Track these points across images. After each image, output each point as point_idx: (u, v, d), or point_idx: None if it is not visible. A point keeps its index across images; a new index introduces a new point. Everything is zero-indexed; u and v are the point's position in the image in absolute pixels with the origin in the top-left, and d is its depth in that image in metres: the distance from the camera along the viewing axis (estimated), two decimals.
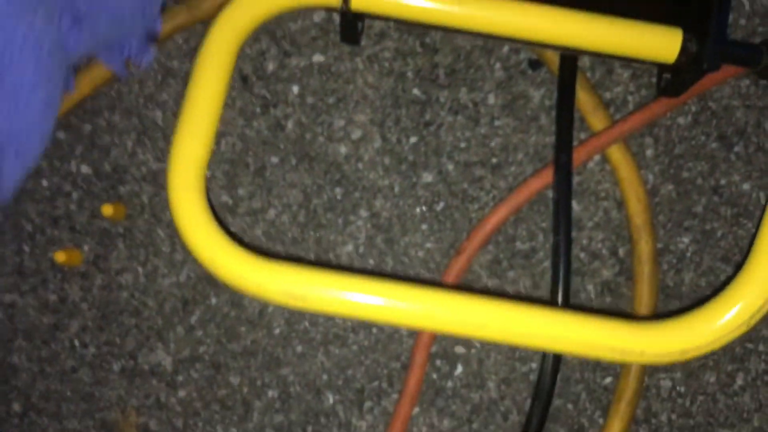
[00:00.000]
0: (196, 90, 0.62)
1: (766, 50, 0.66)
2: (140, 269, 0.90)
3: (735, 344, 0.88)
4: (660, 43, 0.64)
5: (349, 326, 0.89)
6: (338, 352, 0.89)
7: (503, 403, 0.89)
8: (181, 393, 0.90)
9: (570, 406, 0.89)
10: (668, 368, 0.88)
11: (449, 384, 0.89)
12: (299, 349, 0.89)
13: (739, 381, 0.88)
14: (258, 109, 0.90)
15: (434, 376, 0.89)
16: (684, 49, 0.63)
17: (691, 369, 0.88)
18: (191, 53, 0.92)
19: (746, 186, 0.89)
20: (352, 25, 0.65)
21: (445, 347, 0.89)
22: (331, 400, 0.89)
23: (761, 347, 0.88)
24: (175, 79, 0.91)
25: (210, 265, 0.63)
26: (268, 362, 0.89)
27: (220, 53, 0.67)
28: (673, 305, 0.88)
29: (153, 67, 0.92)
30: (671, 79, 0.68)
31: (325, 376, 0.89)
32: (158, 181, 0.90)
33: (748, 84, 0.89)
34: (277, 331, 0.89)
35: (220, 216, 0.90)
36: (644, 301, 0.86)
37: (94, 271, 0.90)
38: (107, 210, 0.85)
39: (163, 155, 0.90)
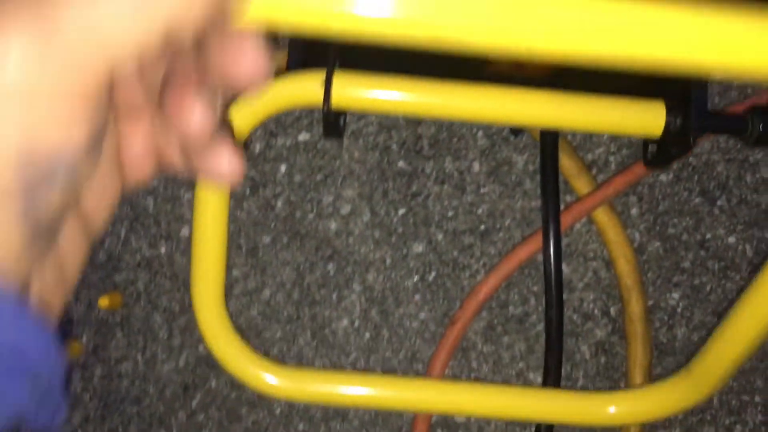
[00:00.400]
0: (202, 213, 0.64)
1: (752, 119, 0.66)
2: (139, 356, 0.91)
3: (731, 397, 0.89)
4: (643, 119, 0.64)
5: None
6: (339, 428, 0.90)
7: None
8: None
9: None
10: (667, 425, 0.89)
11: None
12: (301, 427, 0.90)
13: None
14: (247, 191, 0.91)
15: None
16: (668, 124, 0.64)
17: (690, 425, 0.89)
18: None
19: (731, 239, 0.90)
20: (334, 122, 0.64)
21: (446, 417, 0.89)
22: None
23: (757, 398, 0.89)
24: None
25: (239, 376, 0.71)
26: None
27: None
28: (668, 362, 0.89)
29: None
30: (657, 153, 0.68)
31: None
32: (152, 267, 0.91)
33: (726, 138, 0.90)
34: (278, 410, 0.90)
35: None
36: (638, 360, 0.87)
37: (93, 361, 0.91)
38: (104, 302, 0.86)
39: (155, 241, 0.92)
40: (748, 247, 0.90)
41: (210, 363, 0.90)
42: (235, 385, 0.90)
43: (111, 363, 0.91)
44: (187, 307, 0.91)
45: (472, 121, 0.72)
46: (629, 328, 0.88)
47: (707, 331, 0.90)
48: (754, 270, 0.89)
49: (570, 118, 0.64)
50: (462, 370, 0.90)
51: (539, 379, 0.90)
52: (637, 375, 0.87)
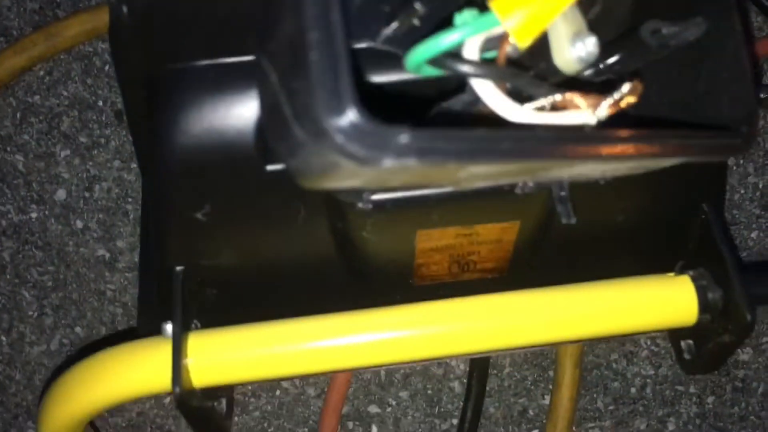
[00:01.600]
0: None
1: None
2: (4, 338, 0.79)
3: (665, 387, 0.83)
4: (666, 305, 0.43)
5: (249, 391, 0.80)
6: (238, 420, 0.80)
7: None
8: None
9: None
10: (597, 416, 0.82)
11: None
12: None
13: (671, 426, 0.83)
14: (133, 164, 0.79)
15: None
16: (703, 304, 0.43)
17: (621, 416, 0.83)
18: (54, 86, 0.80)
19: None
20: (204, 411, 0.43)
21: (358, 407, 0.80)
22: None
23: (692, 389, 0.83)
24: (37, 117, 0.80)
25: None
26: None
27: None
28: (600, 349, 0.82)
29: (10, 103, 0.79)
30: (697, 350, 0.47)
31: None
32: (21, 235, 0.78)
33: None
34: (166, 400, 0.79)
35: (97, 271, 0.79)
36: (569, 348, 0.80)
37: None
38: None
39: (25, 205, 0.79)
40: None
41: (87, 346, 0.78)
42: None
43: None
44: (60, 282, 0.78)
45: (413, 360, 0.50)
46: None
47: None
48: None
49: (551, 328, 0.42)
50: None
51: (462, 366, 0.81)
52: (568, 364, 0.80)
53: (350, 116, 0.23)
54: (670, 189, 0.31)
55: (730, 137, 0.30)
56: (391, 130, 0.24)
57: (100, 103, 0.81)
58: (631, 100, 0.30)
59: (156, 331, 0.42)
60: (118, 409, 0.78)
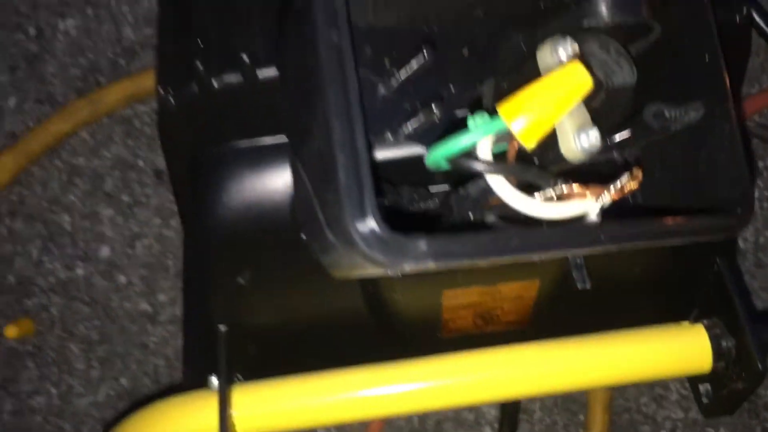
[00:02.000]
0: None
1: None
2: (53, 390, 0.82)
3: (695, 431, 0.83)
4: (681, 353, 0.45)
5: None
6: None
7: None
8: None
9: None
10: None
11: None
12: None
13: None
14: (176, 207, 0.83)
15: None
16: (718, 352, 0.45)
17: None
18: (98, 148, 0.85)
19: None
20: None
21: None
22: None
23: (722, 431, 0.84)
24: (81, 178, 0.84)
25: None
26: None
27: None
28: (629, 393, 0.84)
29: (57, 165, 0.84)
30: (714, 394, 0.48)
31: None
32: (68, 291, 0.82)
33: None
34: None
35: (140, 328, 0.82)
36: (599, 393, 0.81)
37: (2, 395, 0.82)
38: (11, 332, 0.77)
39: (72, 262, 0.83)
40: None
41: (132, 397, 0.82)
42: None
43: (22, 397, 0.82)
44: (106, 336, 0.82)
45: (444, 408, 0.58)
46: None
47: None
48: None
49: (574, 376, 0.45)
50: None
51: (493, 412, 0.83)
52: (598, 409, 0.81)
53: (374, 229, 0.27)
54: (684, 245, 0.34)
55: (724, 220, 0.32)
56: (409, 240, 0.27)
57: (141, 163, 0.85)
58: (633, 186, 0.33)
59: (199, 385, 0.45)
60: None
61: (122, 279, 0.83)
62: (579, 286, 0.36)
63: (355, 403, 0.43)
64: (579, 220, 0.31)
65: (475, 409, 0.83)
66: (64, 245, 0.83)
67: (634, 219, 0.30)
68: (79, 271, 0.83)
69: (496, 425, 0.82)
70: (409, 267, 0.28)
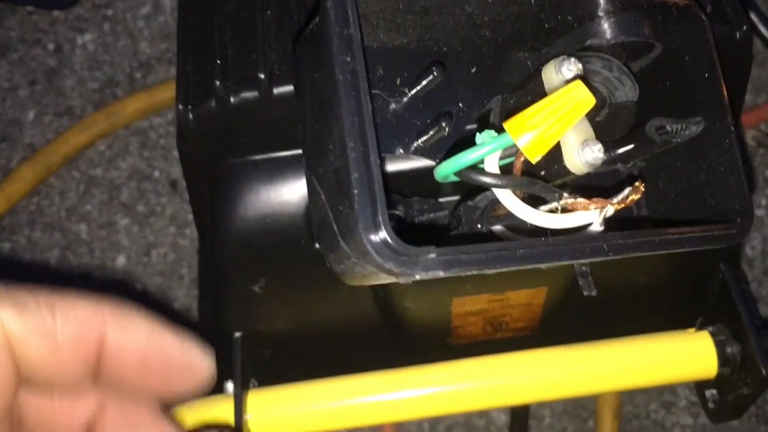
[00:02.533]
0: None
1: None
2: None
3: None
4: (681, 359, 0.46)
5: None
6: None
7: None
8: None
9: None
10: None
11: None
12: None
13: None
14: (190, 216, 0.85)
15: None
16: (723, 357, 0.46)
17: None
18: (115, 159, 0.86)
19: None
20: None
21: None
22: None
23: None
24: (99, 188, 0.86)
25: None
26: None
27: None
28: (639, 399, 0.85)
29: (74, 177, 0.86)
30: (720, 399, 0.50)
31: None
32: None
33: None
34: None
35: None
36: (608, 399, 0.82)
37: None
38: None
39: (89, 271, 0.84)
40: None
41: None
42: None
43: None
44: None
45: (454, 413, 0.57)
46: None
47: None
48: None
49: (582, 381, 0.46)
50: None
51: (504, 418, 0.84)
52: (607, 415, 0.82)
53: (386, 240, 0.28)
54: (689, 252, 0.35)
55: (724, 229, 0.34)
56: (420, 251, 0.29)
57: (156, 173, 0.87)
58: (636, 197, 0.34)
59: (214, 391, 0.46)
60: None
61: (138, 287, 0.85)
62: (585, 293, 0.37)
63: (367, 408, 0.44)
64: (583, 230, 0.33)
65: (486, 415, 0.84)
66: (81, 254, 0.85)
67: (636, 229, 0.31)
68: (96, 280, 0.85)
69: (506, 431, 0.83)
70: (419, 276, 0.29)
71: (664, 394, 0.85)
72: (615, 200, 0.33)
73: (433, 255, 0.29)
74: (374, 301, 0.45)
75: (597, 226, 0.33)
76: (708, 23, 0.36)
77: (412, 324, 0.46)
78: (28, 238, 0.85)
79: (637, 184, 0.33)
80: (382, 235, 0.28)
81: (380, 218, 0.28)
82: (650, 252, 0.31)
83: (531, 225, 0.32)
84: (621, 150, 0.36)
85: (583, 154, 0.33)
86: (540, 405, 0.84)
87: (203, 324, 0.55)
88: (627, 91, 0.36)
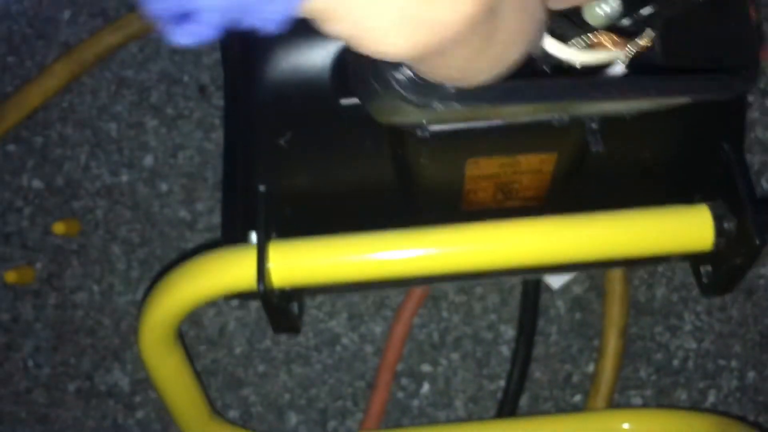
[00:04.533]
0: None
1: None
2: (95, 287, 0.87)
3: (707, 361, 0.86)
4: (680, 231, 0.47)
5: (312, 345, 0.87)
6: (301, 371, 0.87)
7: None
8: (139, 414, 0.87)
9: None
10: (639, 386, 0.86)
11: (415, 403, 0.86)
12: (261, 368, 0.87)
13: (711, 398, 0.86)
14: (217, 121, 0.87)
15: (400, 395, 0.86)
16: (719, 231, 0.47)
17: (663, 386, 0.86)
18: (146, 62, 0.89)
19: None
20: (282, 310, 0.50)
21: (411, 365, 0.86)
22: (294, 421, 0.87)
23: (734, 363, 0.86)
24: (129, 89, 0.88)
25: None
26: (229, 382, 0.87)
27: (159, 351, 0.57)
28: (645, 321, 0.86)
29: (106, 77, 0.88)
30: (714, 274, 0.51)
31: (287, 396, 0.87)
32: (113, 195, 0.87)
33: None
34: (238, 350, 0.87)
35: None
36: (614, 319, 0.84)
37: (47, 289, 0.87)
38: (59, 228, 0.82)
39: (117, 169, 0.87)
40: None
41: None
42: (195, 322, 0.87)
43: (65, 292, 0.87)
44: (147, 240, 0.87)
45: (464, 275, 0.60)
46: (608, 286, 0.84)
47: (687, 292, 0.86)
48: None
49: (583, 249, 0.47)
50: (431, 319, 0.86)
51: (511, 332, 0.86)
52: (612, 335, 0.84)
53: (408, 74, 0.31)
54: (693, 128, 0.36)
55: (733, 78, 0.35)
56: (437, 84, 0.31)
57: (186, 78, 0.89)
58: (648, 43, 0.36)
59: (237, 242, 0.49)
60: (194, 355, 0.86)
61: (164, 187, 0.87)
62: (593, 148, 0.39)
63: (379, 264, 0.47)
64: (603, 72, 0.35)
65: (494, 329, 0.87)
66: (110, 152, 0.87)
67: (645, 75, 0.33)
68: (124, 178, 0.87)
69: (512, 345, 0.86)
70: (437, 106, 0.31)
71: (670, 317, 0.87)
72: (633, 44, 0.35)
73: (450, 87, 0.31)
74: (393, 160, 0.47)
75: (619, 67, 0.35)
76: None
77: (427, 184, 0.48)
78: (59, 134, 0.87)
79: (647, 31, 0.35)
80: (405, 71, 0.31)
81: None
82: (657, 96, 0.33)
83: (557, 60, 0.34)
84: (644, 12, 0.37)
85: (602, 6, 0.35)
86: (547, 323, 0.87)
87: (228, 178, 0.57)
88: None
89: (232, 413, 0.87)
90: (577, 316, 0.86)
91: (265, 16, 0.24)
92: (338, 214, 0.52)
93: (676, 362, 0.87)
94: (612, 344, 0.85)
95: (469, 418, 0.86)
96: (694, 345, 0.87)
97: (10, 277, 0.83)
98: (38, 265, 0.87)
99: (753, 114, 0.87)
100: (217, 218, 0.86)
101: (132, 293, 0.87)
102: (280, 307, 0.47)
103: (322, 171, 0.48)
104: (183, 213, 0.87)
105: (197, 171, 0.87)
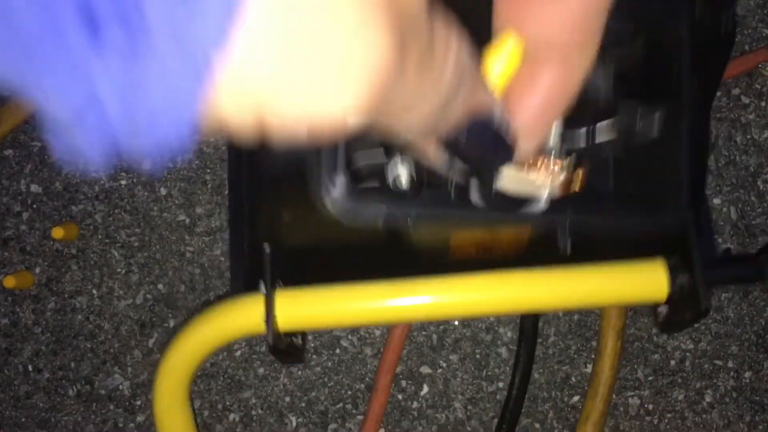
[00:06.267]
0: None
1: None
2: (95, 291, 0.87)
3: (704, 361, 0.87)
4: (637, 283, 0.53)
5: (312, 347, 0.87)
6: (301, 374, 0.87)
7: (470, 424, 0.87)
8: (140, 418, 0.88)
9: (537, 425, 0.87)
10: (636, 386, 0.87)
11: (415, 405, 0.87)
12: (261, 371, 0.87)
13: (708, 398, 0.87)
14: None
15: (400, 396, 0.87)
16: (674, 283, 0.51)
17: (660, 387, 0.87)
18: None
19: (717, 200, 0.87)
20: (287, 346, 0.56)
21: (411, 368, 0.87)
22: (294, 423, 0.87)
23: (730, 364, 0.87)
24: None
25: None
26: (229, 385, 0.87)
27: (174, 406, 0.62)
28: (642, 323, 0.87)
29: None
30: (669, 315, 0.55)
31: (287, 399, 0.87)
32: (111, 200, 0.87)
33: (718, 95, 0.86)
34: (238, 353, 0.87)
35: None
36: (612, 321, 0.84)
37: (46, 293, 0.87)
38: (57, 232, 0.82)
39: (116, 173, 0.87)
40: (732, 209, 0.87)
41: (168, 302, 0.86)
42: None
43: (65, 296, 0.87)
44: (146, 243, 0.87)
45: (452, 318, 0.70)
46: None
47: None
48: (738, 233, 0.86)
49: (553, 297, 0.54)
50: (430, 322, 0.87)
51: (509, 334, 0.87)
52: (610, 336, 0.85)
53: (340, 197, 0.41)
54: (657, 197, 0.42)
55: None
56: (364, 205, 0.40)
57: None
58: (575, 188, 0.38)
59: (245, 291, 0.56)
60: None
61: (163, 191, 0.88)
62: (560, 246, 0.43)
63: (376, 310, 0.53)
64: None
65: (492, 331, 0.87)
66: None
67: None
68: (123, 182, 0.88)
69: (511, 346, 0.87)
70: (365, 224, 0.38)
71: None
72: (558, 178, 0.37)
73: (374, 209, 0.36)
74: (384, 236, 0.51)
75: (541, 204, 0.39)
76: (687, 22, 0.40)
77: (416, 247, 0.53)
78: None
79: (577, 172, 0.38)
80: (335, 193, 0.41)
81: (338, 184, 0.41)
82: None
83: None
84: (600, 136, 0.40)
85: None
86: (545, 324, 0.87)
87: (235, 236, 0.62)
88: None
89: (233, 416, 0.87)
90: (575, 317, 0.87)
91: (164, 130, 0.19)
92: (337, 269, 0.57)
93: (673, 363, 0.87)
94: (610, 345, 0.85)
95: (469, 419, 0.87)
96: (691, 345, 0.87)
97: (10, 282, 0.83)
98: (37, 270, 0.87)
99: (749, 116, 0.88)
100: (216, 221, 0.87)
101: (131, 297, 0.87)
102: (287, 344, 0.54)
103: (320, 234, 0.52)
104: (182, 216, 0.87)
105: (196, 175, 0.87)
